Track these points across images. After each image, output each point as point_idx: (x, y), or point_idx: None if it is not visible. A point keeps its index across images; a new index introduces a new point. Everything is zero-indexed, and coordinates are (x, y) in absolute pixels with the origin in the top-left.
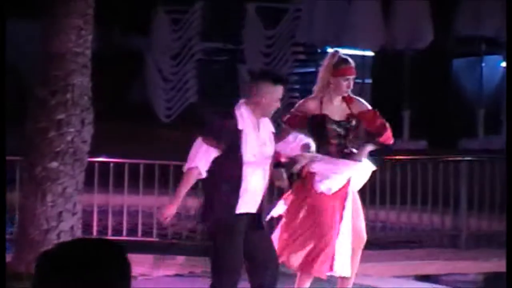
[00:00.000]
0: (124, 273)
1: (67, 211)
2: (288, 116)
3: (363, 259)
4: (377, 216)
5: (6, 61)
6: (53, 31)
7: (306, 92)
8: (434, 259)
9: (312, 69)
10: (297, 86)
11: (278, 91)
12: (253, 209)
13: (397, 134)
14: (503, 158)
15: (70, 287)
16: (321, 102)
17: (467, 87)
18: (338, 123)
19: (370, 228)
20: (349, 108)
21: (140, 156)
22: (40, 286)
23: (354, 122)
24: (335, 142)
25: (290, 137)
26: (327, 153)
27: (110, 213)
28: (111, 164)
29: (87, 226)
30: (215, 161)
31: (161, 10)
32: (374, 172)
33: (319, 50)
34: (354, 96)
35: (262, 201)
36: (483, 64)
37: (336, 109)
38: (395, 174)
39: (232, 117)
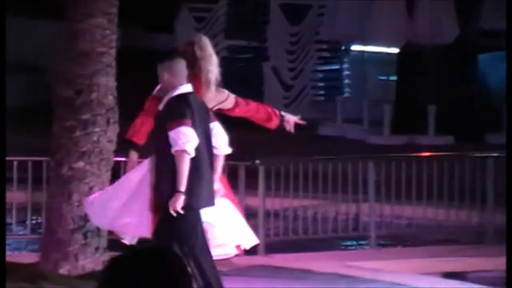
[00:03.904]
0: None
1: None
2: None
3: (391, 256)
4: (403, 213)
5: (28, 61)
6: (77, 31)
7: (330, 89)
8: (461, 255)
9: (336, 66)
10: (321, 84)
11: None
12: None
13: (423, 130)
14: None
15: None
16: None
17: (493, 81)
18: None
19: (396, 225)
20: None
21: None
22: None
23: None
24: None
25: None
26: None
27: None
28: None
29: None
30: None
31: (185, 8)
32: (399, 168)
33: (343, 47)
34: None
35: None
36: None
37: None
38: (421, 170)
39: None
